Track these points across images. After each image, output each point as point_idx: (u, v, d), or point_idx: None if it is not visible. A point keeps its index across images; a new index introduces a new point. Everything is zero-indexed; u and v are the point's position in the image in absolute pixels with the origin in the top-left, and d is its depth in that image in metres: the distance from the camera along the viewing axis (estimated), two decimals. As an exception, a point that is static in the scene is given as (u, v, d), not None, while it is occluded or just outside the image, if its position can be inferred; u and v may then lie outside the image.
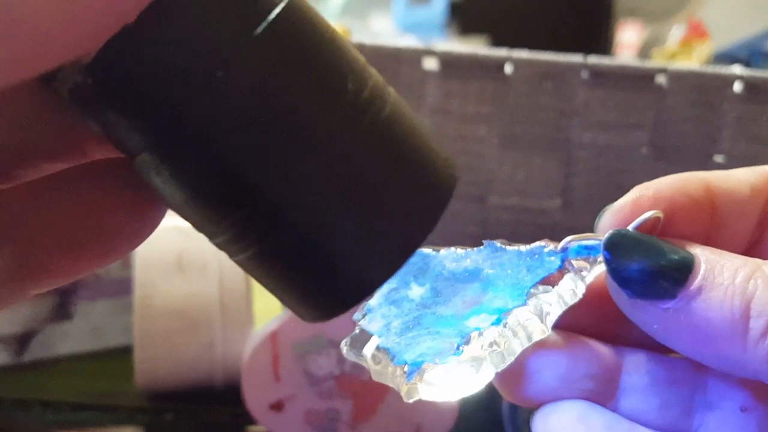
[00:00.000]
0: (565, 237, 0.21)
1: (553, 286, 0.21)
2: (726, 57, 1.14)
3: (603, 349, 0.21)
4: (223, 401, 0.49)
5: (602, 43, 1.47)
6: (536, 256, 0.21)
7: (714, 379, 0.20)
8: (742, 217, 0.20)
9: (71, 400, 0.50)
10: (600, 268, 0.20)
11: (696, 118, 0.46)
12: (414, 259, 0.21)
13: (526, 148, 0.47)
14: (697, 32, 1.23)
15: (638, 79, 0.45)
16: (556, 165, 0.47)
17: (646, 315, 0.19)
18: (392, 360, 0.21)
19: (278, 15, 0.14)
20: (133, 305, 0.47)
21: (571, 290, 0.20)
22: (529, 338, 0.20)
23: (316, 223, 0.14)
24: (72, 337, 0.55)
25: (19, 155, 0.16)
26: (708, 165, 0.47)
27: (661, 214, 0.19)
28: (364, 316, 0.22)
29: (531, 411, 0.21)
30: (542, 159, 0.47)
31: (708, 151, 0.47)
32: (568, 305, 0.20)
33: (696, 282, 0.18)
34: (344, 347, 0.21)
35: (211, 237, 0.15)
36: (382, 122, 0.15)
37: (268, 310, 0.54)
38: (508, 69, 0.45)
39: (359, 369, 0.45)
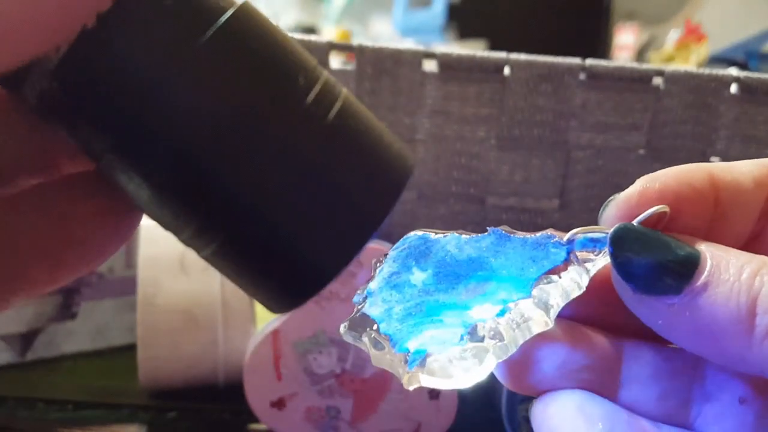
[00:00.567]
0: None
1: (557, 277, 0.21)
2: (722, 59, 1.14)
3: (603, 340, 0.21)
4: (225, 399, 0.49)
5: (600, 45, 1.47)
6: (541, 247, 0.21)
7: (712, 370, 0.20)
8: (744, 209, 0.20)
9: (75, 398, 0.50)
10: (605, 261, 0.20)
11: (692, 119, 0.46)
12: (416, 243, 0.21)
13: (524, 150, 0.47)
14: (694, 35, 1.24)
15: (635, 81, 0.45)
16: (554, 166, 0.48)
17: (651, 310, 0.19)
18: (393, 347, 0.21)
19: (227, 20, 0.14)
20: (136, 304, 0.47)
21: (575, 283, 0.20)
22: (532, 331, 0.20)
23: (271, 216, 0.15)
24: (76, 336, 0.55)
25: None
26: (704, 166, 0.47)
27: (667, 209, 0.19)
28: (364, 299, 0.21)
29: (529, 408, 0.21)
30: (540, 160, 0.48)
31: (704, 153, 0.47)
32: (572, 298, 0.20)
33: (702, 278, 0.18)
34: (343, 329, 0.21)
35: (177, 234, 0.16)
36: (334, 116, 0.15)
37: (269, 309, 0.55)
38: (507, 71, 0.45)
39: (360, 367, 0.45)
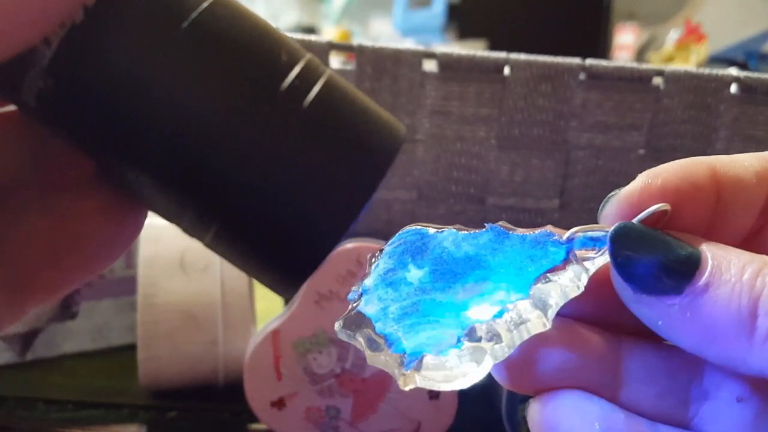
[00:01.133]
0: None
1: (555, 276, 0.20)
2: (722, 59, 1.14)
3: (601, 339, 0.21)
4: (225, 399, 0.49)
5: (600, 45, 1.47)
6: (540, 245, 0.20)
7: (711, 369, 0.20)
8: (746, 205, 0.20)
9: (75, 398, 0.50)
10: (604, 260, 0.20)
11: (692, 119, 0.46)
12: (412, 238, 0.21)
13: (524, 149, 0.47)
14: (693, 35, 1.24)
15: (635, 81, 0.45)
16: (553, 166, 0.48)
17: (651, 310, 0.18)
18: (390, 347, 0.20)
19: (209, 5, 0.15)
20: (136, 304, 0.47)
21: (574, 283, 0.20)
22: (530, 332, 0.20)
23: (263, 195, 0.15)
24: (76, 336, 0.56)
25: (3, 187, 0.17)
26: (704, 166, 0.47)
27: (668, 207, 0.19)
28: (359, 297, 0.21)
29: (526, 408, 0.21)
30: (540, 160, 0.48)
31: (704, 152, 0.47)
32: (570, 298, 0.20)
33: (703, 278, 0.18)
34: (338, 327, 0.21)
35: (177, 222, 0.16)
36: (318, 92, 0.16)
37: (269, 309, 0.55)
38: (507, 71, 0.45)
39: (360, 367, 0.45)
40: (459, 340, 0.20)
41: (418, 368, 0.20)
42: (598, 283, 0.20)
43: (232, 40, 0.15)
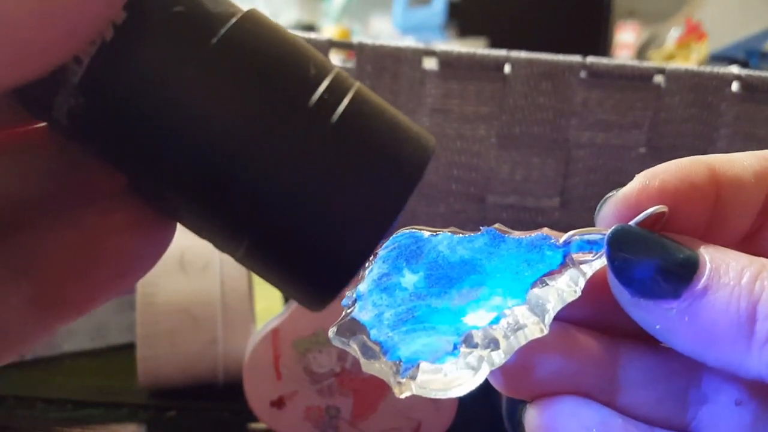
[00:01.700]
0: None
1: (552, 281, 0.20)
2: (723, 57, 1.14)
3: (599, 344, 0.20)
4: (225, 398, 0.49)
5: (600, 43, 1.47)
6: (536, 249, 0.20)
7: (709, 372, 0.20)
8: (745, 205, 0.20)
9: (74, 397, 0.50)
10: (601, 263, 0.20)
11: (693, 117, 0.46)
12: (406, 242, 0.21)
13: (524, 148, 0.47)
14: (695, 33, 1.23)
15: (636, 79, 0.45)
16: (554, 164, 0.48)
17: (649, 314, 0.18)
18: (385, 354, 0.20)
19: (237, 21, 0.15)
20: (135, 303, 0.47)
21: (571, 287, 0.20)
22: (528, 337, 0.20)
23: (294, 210, 0.15)
24: (75, 335, 0.56)
25: (34, 205, 0.17)
26: (705, 164, 0.47)
27: (665, 209, 0.19)
28: (354, 303, 0.21)
29: (522, 411, 0.21)
30: (541, 158, 0.47)
31: (705, 151, 0.47)
32: (568, 302, 0.20)
33: (701, 282, 0.17)
34: (331, 334, 0.20)
35: (210, 240, 0.16)
36: (348, 106, 0.15)
37: (269, 308, 0.55)
38: (507, 69, 0.45)
39: (360, 367, 0.45)
40: (455, 347, 0.20)
41: (413, 376, 0.20)
42: (595, 286, 0.20)
43: (261, 54, 0.15)
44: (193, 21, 0.15)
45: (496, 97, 0.46)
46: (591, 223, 0.20)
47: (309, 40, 0.44)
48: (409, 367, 0.20)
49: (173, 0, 0.14)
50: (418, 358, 0.20)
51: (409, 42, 0.48)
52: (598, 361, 0.20)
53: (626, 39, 1.72)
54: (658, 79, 0.46)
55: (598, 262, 0.20)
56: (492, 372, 0.20)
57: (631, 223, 0.19)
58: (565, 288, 0.20)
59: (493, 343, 0.20)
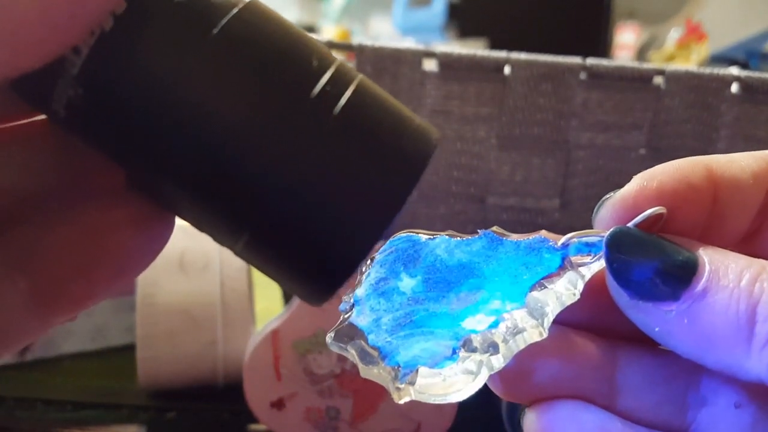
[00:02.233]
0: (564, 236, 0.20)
1: (551, 284, 0.20)
2: (723, 58, 1.14)
3: (597, 347, 0.20)
4: (225, 399, 0.49)
5: (600, 44, 1.47)
6: (534, 252, 0.20)
7: (708, 375, 0.20)
8: (743, 205, 0.20)
9: (74, 398, 0.50)
10: (600, 266, 0.19)
11: (693, 119, 0.46)
12: (403, 246, 0.20)
13: (524, 149, 0.47)
14: (695, 34, 1.24)
15: (636, 81, 0.45)
16: (554, 165, 0.48)
17: (648, 317, 0.18)
18: (384, 360, 0.20)
19: (238, 11, 0.15)
20: (135, 304, 0.47)
21: (570, 290, 0.20)
22: (527, 341, 0.19)
23: (295, 203, 0.15)
24: (75, 336, 0.55)
25: (30, 197, 0.16)
26: (705, 165, 0.47)
27: (664, 210, 0.19)
28: (351, 307, 0.20)
29: (521, 414, 0.21)
30: (541, 159, 0.47)
31: (705, 152, 0.47)
32: (566, 305, 0.20)
33: (700, 284, 0.17)
34: (329, 339, 0.20)
35: (210, 233, 0.16)
36: (351, 98, 0.15)
37: (269, 309, 0.55)
38: (507, 70, 0.45)
39: (360, 368, 0.45)
40: (454, 352, 0.20)
41: (412, 381, 0.20)
42: (593, 288, 0.20)
43: (263, 46, 0.15)
44: (194, 11, 0.14)
45: (496, 98, 0.46)
46: (591, 224, 0.20)
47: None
48: (407, 372, 0.20)
49: None
50: (417, 363, 0.20)
51: (409, 43, 0.48)
52: (597, 365, 0.20)
53: (626, 40, 1.72)
54: (658, 80, 0.46)
55: (596, 265, 0.20)
56: (491, 377, 0.20)
57: (630, 224, 0.19)
58: (563, 291, 0.20)
59: (492, 348, 0.20)
